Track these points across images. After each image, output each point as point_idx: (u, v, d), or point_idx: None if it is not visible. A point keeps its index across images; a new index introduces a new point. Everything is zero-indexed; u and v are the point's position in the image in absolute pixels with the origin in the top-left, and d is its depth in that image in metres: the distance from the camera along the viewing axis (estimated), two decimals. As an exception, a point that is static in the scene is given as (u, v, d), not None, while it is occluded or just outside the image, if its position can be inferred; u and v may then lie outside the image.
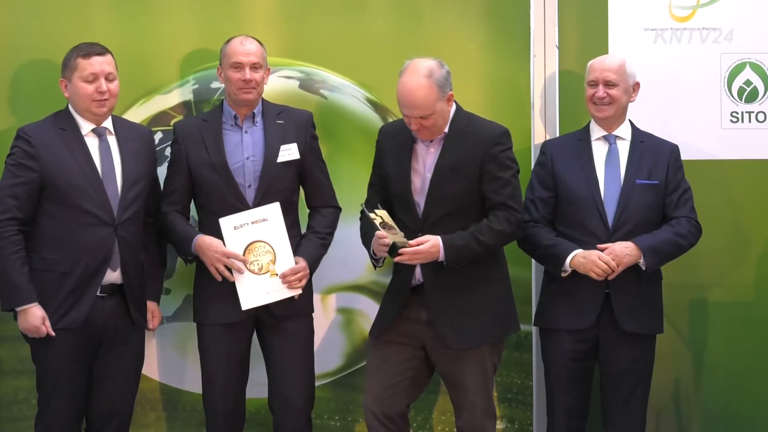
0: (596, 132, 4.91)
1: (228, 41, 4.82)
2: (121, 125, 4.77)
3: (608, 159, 4.87)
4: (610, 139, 4.89)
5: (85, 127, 4.67)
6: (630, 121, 4.93)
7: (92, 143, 4.66)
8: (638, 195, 4.81)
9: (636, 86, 4.88)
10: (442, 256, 4.53)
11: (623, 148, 4.89)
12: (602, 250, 4.70)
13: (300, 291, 4.71)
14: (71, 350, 4.61)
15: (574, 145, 4.92)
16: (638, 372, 4.79)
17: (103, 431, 4.76)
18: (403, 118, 4.81)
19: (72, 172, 4.58)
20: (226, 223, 4.69)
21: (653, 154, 4.86)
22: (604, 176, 4.84)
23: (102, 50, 4.67)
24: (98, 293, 4.61)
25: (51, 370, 4.64)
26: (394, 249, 4.54)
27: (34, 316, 4.51)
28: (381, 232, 4.51)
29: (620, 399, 4.81)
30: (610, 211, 4.79)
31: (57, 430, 4.68)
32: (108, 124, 4.70)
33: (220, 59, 4.84)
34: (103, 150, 4.66)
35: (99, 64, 4.63)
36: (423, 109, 4.55)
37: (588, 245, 4.74)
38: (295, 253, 4.75)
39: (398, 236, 4.52)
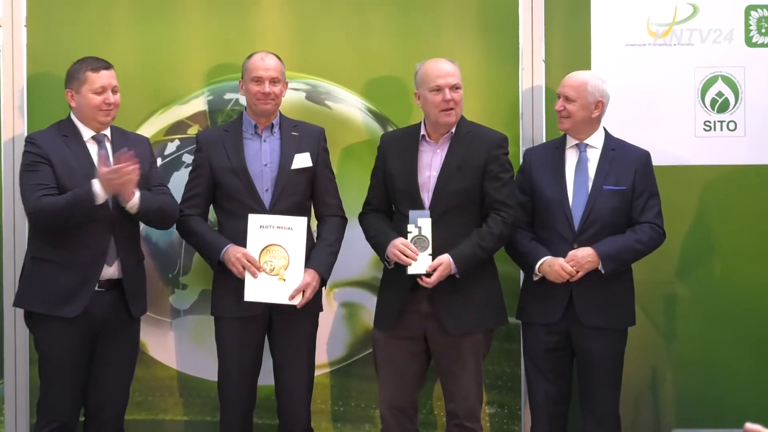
0: (570, 141, 5.00)
1: (249, 56, 4.95)
2: (117, 134, 4.92)
3: (578, 166, 4.97)
4: (581, 148, 4.98)
5: (86, 133, 4.85)
6: (604, 128, 5.02)
7: (92, 148, 4.85)
8: (605, 200, 4.91)
9: (599, 104, 4.95)
10: (454, 270, 4.75)
11: (594, 156, 4.97)
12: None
13: (299, 302, 4.82)
14: (71, 340, 4.74)
15: (550, 152, 5.03)
16: (607, 362, 4.91)
17: (101, 418, 4.89)
18: (401, 128, 5.04)
19: (76, 173, 4.75)
20: (254, 220, 4.82)
21: (623, 161, 4.94)
22: (573, 182, 4.94)
23: (108, 65, 4.87)
24: (96, 288, 4.74)
25: (52, 359, 4.79)
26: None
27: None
28: (409, 245, 4.71)
29: (592, 387, 4.94)
30: (577, 215, 4.90)
31: (57, 415, 4.81)
32: (107, 132, 4.88)
33: (242, 73, 4.95)
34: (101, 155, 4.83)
35: (107, 77, 4.83)
36: (456, 76, 4.82)
37: (557, 246, 4.89)
38: (308, 260, 4.87)
39: (424, 254, 4.71)
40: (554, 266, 4.86)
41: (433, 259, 4.76)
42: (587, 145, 5.01)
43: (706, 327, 5.42)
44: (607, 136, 5.05)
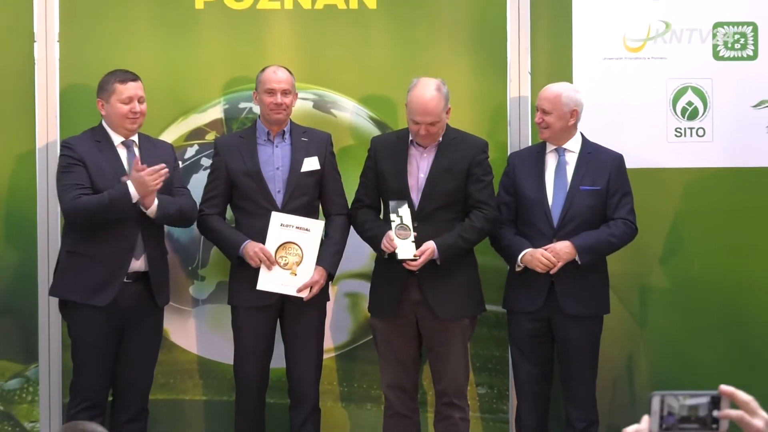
0: (550, 146, 5.20)
1: (263, 70, 5.13)
2: (144, 140, 5.13)
3: (557, 169, 5.17)
4: (560, 152, 5.18)
5: (116, 139, 5.07)
6: (581, 134, 5.21)
7: (122, 153, 5.08)
8: (581, 199, 5.10)
9: (573, 113, 5.12)
10: (436, 256, 5.00)
11: (571, 159, 5.16)
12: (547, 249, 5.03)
13: (305, 295, 5.04)
14: (101, 327, 4.95)
15: (532, 156, 5.22)
16: (585, 347, 5.11)
17: (127, 398, 5.09)
18: (394, 132, 5.27)
19: (107, 175, 4.98)
20: (276, 217, 5.02)
21: (598, 164, 5.13)
22: (552, 184, 5.14)
23: (135, 77, 5.07)
24: (125, 280, 4.95)
25: (84, 344, 5.00)
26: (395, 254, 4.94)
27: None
28: (391, 235, 4.90)
29: (571, 371, 5.13)
30: (556, 213, 5.10)
31: (88, 396, 5.00)
32: (135, 138, 5.10)
33: (256, 85, 5.14)
34: (130, 159, 5.05)
35: (133, 88, 5.03)
36: (434, 116, 4.97)
37: (538, 241, 5.09)
38: (317, 257, 5.08)
39: (408, 240, 4.93)
40: (535, 255, 5.05)
41: (417, 246, 5.01)
42: (565, 149, 5.22)
43: (677, 315, 5.60)
44: (584, 140, 5.24)
